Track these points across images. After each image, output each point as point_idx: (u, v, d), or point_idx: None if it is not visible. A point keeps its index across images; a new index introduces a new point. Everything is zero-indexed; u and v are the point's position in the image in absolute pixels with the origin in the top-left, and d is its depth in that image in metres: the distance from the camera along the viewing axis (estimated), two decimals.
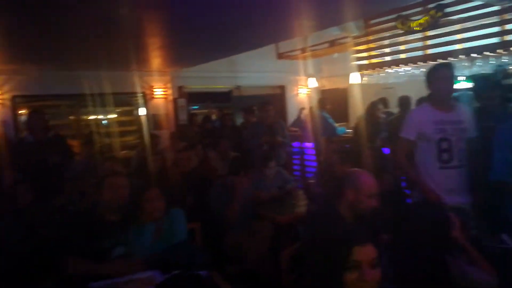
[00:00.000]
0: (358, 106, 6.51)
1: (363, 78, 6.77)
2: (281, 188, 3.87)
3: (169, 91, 7.38)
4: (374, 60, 6.55)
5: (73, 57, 5.26)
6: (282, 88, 8.68)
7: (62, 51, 4.81)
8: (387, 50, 6.39)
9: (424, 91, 2.97)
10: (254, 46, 5.51)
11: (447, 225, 1.90)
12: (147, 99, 7.23)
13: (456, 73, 2.81)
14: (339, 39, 6.79)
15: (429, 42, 5.66)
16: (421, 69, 5.74)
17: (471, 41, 5.14)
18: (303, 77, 8.46)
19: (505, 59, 4.88)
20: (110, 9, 3.13)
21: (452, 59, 5.24)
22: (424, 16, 5.46)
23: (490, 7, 4.86)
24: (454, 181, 2.68)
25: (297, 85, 8.74)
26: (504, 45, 4.82)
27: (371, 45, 6.51)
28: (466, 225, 2.05)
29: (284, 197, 3.79)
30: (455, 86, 2.84)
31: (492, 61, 5.01)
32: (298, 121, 6.84)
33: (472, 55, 5.11)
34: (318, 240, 1.49)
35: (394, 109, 6.10)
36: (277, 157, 4.49)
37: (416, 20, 5.57)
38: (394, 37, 6.12)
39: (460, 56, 5.22)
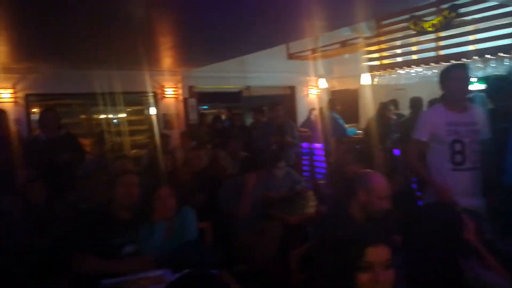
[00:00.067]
0: (368, 107, 6.47)
1: (374, 79, 6.73)
2: (291, 188, 3.86)
3: (180, 91, 7.42)
4: (385, 61, 6.50)
5: (85, 56, 5.32)
6: (292, 88, 8.67)
7: (74, 50, 4.87)
8: (398, 51, 6.34)
9: (435, 92, 2.94)
10: (265, 46, 5.51)
11: (459, 227, 1.88)
12: (158, 99, 7.28)
13: (470, 74, 2.77)
14: (350, 39, 6.75)
15: (442, 43, 5.60)
16: (433, 70, 5.68)
17: (485, 42, 5.07)
18: (313, 78, 8.43)
19: None
20: (122, 8, 3.16)
21: (465, 60, 5.18)
22: (437, 17, 5.40)
23: (505, 7, 4.79)
24: (467, 183, 2.65)
25: (307, 86, 8.72)
26: None
27: (383, 46, 6.46)
28: (479, 228, 2.02)
29: (293, 197, 3.78)
30: (469, 88, 2.81)
31: (506, 62, 4.94)
32: (308, 122, 6.83)
33: (486, 56, 5.04)
34: (330, 240, 1.49)
35: (405, 110, 6.05)
36: (286, 158, 4.49)
37: (429, 20, 5.51)
38: (406, 38, 6.07)
39: (473, 57, 5.16)
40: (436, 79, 2.81)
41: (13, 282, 2.57)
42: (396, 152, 4.22)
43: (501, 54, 4.92)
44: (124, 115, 7.49)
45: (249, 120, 7.50)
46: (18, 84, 6.05)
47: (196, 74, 7.26)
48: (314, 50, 7.24)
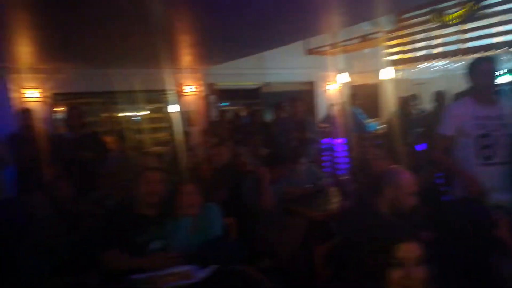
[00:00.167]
0: (389, 102, 6.39)
1: (395, 73, 6.63)
2: (313, 184, 3.84)
3: (200, 88, 7.47)
4: (406, 55, 6.39)
5: (107, 56, 5.42)
6: (311, 84, 8.62)
7: (97, 49, 4.96)
8: (420, 44, 6.23)
9: (457, 86, 2.88)
10: (284, 42, 5.49)
11: (490, 223, 1.84)
12: (179, 96, 7.35)
13: (496, 67, 2.70)
14: (370, 34, 6.67)
15: (466, 35, 5.47)
16: (456, 64, 5.57)
17: (511, 34, 4.94)
18: (332, 73, 8.36)
19: None
20: (143, 8, 3.20)
21: (490, 52, 5.05)
22: (460, 9, 5.28)
23: None
24: (496, 178, 2.59)
25: (326, 81, 8.65)
26: None
27: (404, 40, 6.36)
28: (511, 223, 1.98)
29: (316, 193, 3.77)
30: (496, 81, 2.74)
31: None
32: (328, 117, 6.77)
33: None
34: (358, 237, 1.48)
35: (425, 105, 5.95)
36: (306, 154, 4.47)
37: (452, 13, 5.39)
38: (428, 31, 5.95)
39: (499, 49, 5.02)
40: (459, 72, 2.76)
41: (43, 278, 2.65)
42: (419, 147, 4.16)
43: None
44: (145, 113, 7.60)
45: (268, 116, 7.50)
46: (45, 84, 6.21)
47: (216, 71, 7.30)
48: (333, 45, 7.17)
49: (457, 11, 5.34)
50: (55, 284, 2.60)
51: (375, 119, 7.51)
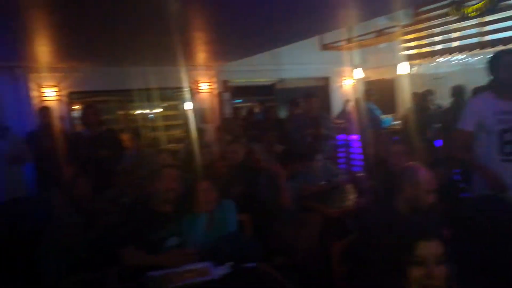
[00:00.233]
0: (405, 97, 6.29)
1: (412, 68, 6.52)
2: (329, 181, 3.82)
3: (214, 86, 7.48)
4: (424, 49, 6.27)
5: (123, 54, 5.47)
6: (326, 79, 8.55)
7: (113, 48, 5.01)
8: (438, 38, 6.10)
9: (477, 80, 2.80)
10: (299, 38, 5.45)
11: (511, 221, 1.79)
12: (193, 94, 7.38)
13: None
14: (387, 28, 6.57)
15: (485, 28, 5.34)
16: (476, 57, 5.44)
17: None
18: (348, 68, 8.28)
19: None
20: (159, 5, 3.21)
21: (510, 45, 4.92)
22: (480, 1, 5.15)
23: None
24: None
25: (341, 77, 8.57)
26: None
27: (421, 34, 6.24)
28: None
29: (332, 190, 3.74)
30: None
31: None
32: (344, 113, 6.71)
33: None
34: (378, 234, 1.46)
35: (443, 100, 5.82)
36: (322, 150, 4.43)
37: (471, 5, 5.26)
38: (446, 24, 5.82)
39: None
40: (479, 66, 2.69)
41: (62, 275, 2.69)
42: (437, 143, 4.08)
43: None
44: (159, 110, 7.65)
45: (282, 113, 7.47)
46: (62, 82, 6.31)
47: (230, 68, 7.30)
48: (349, 40, 7.09)
49: (476, 4, 5.21)
50: (73, 281, 2.64)
51: (391, 115, 7.40)
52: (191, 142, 5.26)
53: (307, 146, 4.53)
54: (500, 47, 4.91)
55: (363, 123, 5.63)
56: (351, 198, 3.53)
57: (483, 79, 2.73)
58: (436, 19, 5.95)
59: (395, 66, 6.80)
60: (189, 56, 6.03)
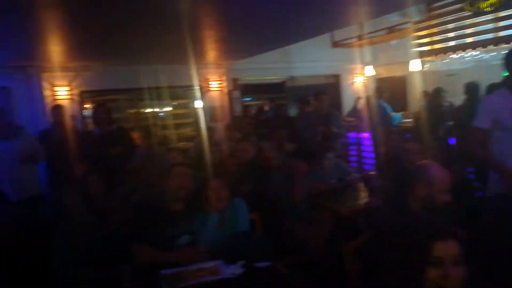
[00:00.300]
0: (417, 95, 6.21)
1: (424, 65, 6.43)
2: (340, 179, 3.79)
3: (224, 84, 7.48)
4: (437, 46, 6.17)
5: (133, 53, 5.49)
6: (336, 77, 8.49)
7: (123, 47, 5.03)
8: (451, 34, 6.00)
9: (491, 77, 2.74)
10: (310, 35, 5.41)
11: None
12: (203, 92, 7.39)
13: None
14: (398, 24, 6.48)
15: (500, 23, 5.23)
16: (490, 53, 5.34)
17: None
18: (358, 66, 8.20)
19: None
20: (169, 4, 3.21)
21: None
22: None
23: None
24: None
25: (352, 74, 8.50)
26: None
27: (434, 30, 6.14)
28: None
29: (343, 188, 3.71)
30: None
31: None
32: (355, 111, 6.66)
33: None
34: (392, 234, 1.43)
35: (456, 97, 5.73)
36: (333, 148, 4.40)
37: (485, 0, 5.16)
38: (459, 20, 5.72)
39: None
40: (494, 62, 2.63)
41: (75, 272, 2.71)
42: (450, 141, 4.02)
43: None
44: (170, 108, 7.68)
45: (293, 111, 7.45)
46: (74, 81, 6.37)
47: (239, 66, 7.29)
48: (359, 37, 7.02)
49: None
50: (86, 279, 2.66)
51: (403, 112, 7.33)
52: (201, 140, 5.27)
53: (317, 144, 4.50)
54: None
55: (374, 121, 5.57)
56: (363, 196, 3.50)
57: (497, 75, 2.67)
58: (449, 15, 5.84)
59: (407, 63, 6.71)
60: (199, 54, 6.03)
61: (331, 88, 8.28)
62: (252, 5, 3.53)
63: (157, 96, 6.89)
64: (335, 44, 7.57)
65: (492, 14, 5.22)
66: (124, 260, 2.37)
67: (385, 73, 8.27)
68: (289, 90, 8.14)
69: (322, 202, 3.44)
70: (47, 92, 6.21)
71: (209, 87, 7.43)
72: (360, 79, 8.48)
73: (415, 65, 6.52)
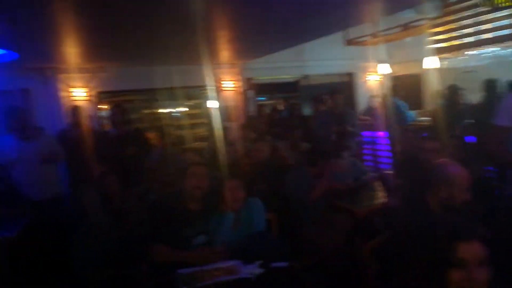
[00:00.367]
0: (433, 92, 6.12)
1: (441, 62, 6.32)
2: (356, 179, 3.75)
3: (238, 83, 7.49)
4: (453, 42, 6.06)
5: (148, 53, 5.54)
6: (350, 75, 8.43)
7: (138, 48, 5.08)
8: (468, 30, 5.88)
9: (510, 73, 2.68)
10: (324, 33, 5.38)
11: None
12: (217, 92, 7.41)
13: None
14: (414, 21, 6.38)
15: None
16: (509, 49, 5.23)
17: None
18: (373, 64, 8.12)
19: None
20: (184, 4, 3.23)
21: None
22: None
23: None
24: None
25: (366, 72, 8.42)
26: None
27: (450, 26, 6.03)
28: None
29: (359, 188, 3.67)
30: None
31: None
32: (369, 110, 6.59)
33: None
34: (412, 235, 1.41)
35: (473, 94, 5.61)
36: (348, 147, 4.37)
37: None
38: (476, 16, 5.61)
39: None
40: None
41: (94, 271, 2.75)
42: (468, 139, 3.95)
43: None
44: (184, 109, 7.72)
45: (307, 110, 7.41)
46: (91, 82, 6.46)
47: (253, 65, 7.28)
48: (374, 35, 6.93)
49: None
50: (104, 278, 2.70)
51: (419, 110, 7.22)
52: (216, 140, 5.29)
53: (332, 144, 4.47)
54: None
55: (390, 120, 5.51)
56: (380, 196, 3.46)
57: None
58: (465, 11, 5.73)
59: (422, 60, 6.61)
60: (213, 54, 6.05)
61: (345, 87, 8.22)
62: (265, 4, 3.53)
63: (172, 97, 6.94)
64: (349, 42, 7.50)
65: (509, 9, 5.11)
66: (141, 259, 2.40)
67: (400, 71, 8.16)
68: (303, 89, 8.10)
69: (338, 202, 3.41)
70: (64, 93, 6.31)
71: (224, 87, 7.44)
72: (375, 77, 8.39)
73: (430, 63, 6.42)
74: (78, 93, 6.38)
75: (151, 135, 5.88)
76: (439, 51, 6.23)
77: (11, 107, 4.13)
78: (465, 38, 5.89)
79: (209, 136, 6.77)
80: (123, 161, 4.26)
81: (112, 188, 3.27)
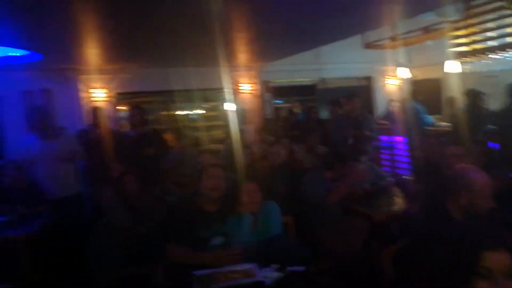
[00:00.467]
0: (454, 97, 5.98)
1: (463, 66, 6.19)
2: (374, 184, 3.70)
3: (255, 86, 7.49)
4: (476, 46, 5.93)
5: (167, 55, 5.60)
6: (368, 79, 8.34)
7: (157, 49, 5.14)
8: (491, 33, 5.74)
9: None
10: (342, 36, 5.32)
11: None
12: (234, 94, 7.42)
13: None
14: (434, 24, 6.27)
15: None
16: None
17: None
18: (392, 67, 8.02)
19: None
20: (202, 6, 3.24)
21: None
22: None
23: None
24: None
25: (385, 76, 8.32)
26: None
27: (472, 30, 5.90)
28: None
29: (377, 193, 3.62)
30: None
31: None
32: (388, 114, 6.50)
33: None
34: (433, 242, 1.37)
35: (496, 100, 5.46)
36: (366, 152, 4.32)
37: None
38: (500, 19, 5.47)
39: None
40: None
41: (111, 269, 2.78)
42: (492, 145, 3.85)
43: None
44: (201, 111, 7.76)
45: (324, 113, 7.36)
46: (109, 84, 6.56)
47: (270, 68, 7.28)
48: (393, 38, 6.84)
49: None
50: (121, 277, 2.72)
51: (439, 116, 7.09)
52: (232, 142, 5.29)
53: (349, 148, 4.43)
54: None
55: (409, 124, 5.42)
56: (398, 202, 3.40)
57: None
58: (489, 13, 5.60)
59: (442, 64, 6.48)
60: (230, 56, 6.07)
61: (363, 91, 8.14)
62: (283, 6, 3.52)
63: (189, 98, 6.98)
64: (368, 46, 7.42)
65: None
66: (158, 259, 2.41)
67: (420, 75, 8.03)
68: (320, 93, 8.06)
69: (356, 208, 3.36)
70: (84, 94, 6.43)
71: (240, 90, 7.45)
72: (393, 81, 8.28)
73: (452, 67, 6.29)
74: (98, 94, 6.49)
75: (168, 137, 5.93)
76: (460, 55, 6.09)
77: (33, 107, 4.22)
78: (488, 42, 5.75)
79: (226, 139, 6.79)
80: (141, 162, 4.31)
81: (130, 188, 3.30)
